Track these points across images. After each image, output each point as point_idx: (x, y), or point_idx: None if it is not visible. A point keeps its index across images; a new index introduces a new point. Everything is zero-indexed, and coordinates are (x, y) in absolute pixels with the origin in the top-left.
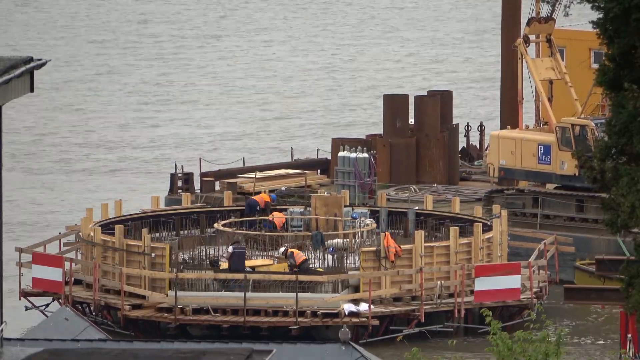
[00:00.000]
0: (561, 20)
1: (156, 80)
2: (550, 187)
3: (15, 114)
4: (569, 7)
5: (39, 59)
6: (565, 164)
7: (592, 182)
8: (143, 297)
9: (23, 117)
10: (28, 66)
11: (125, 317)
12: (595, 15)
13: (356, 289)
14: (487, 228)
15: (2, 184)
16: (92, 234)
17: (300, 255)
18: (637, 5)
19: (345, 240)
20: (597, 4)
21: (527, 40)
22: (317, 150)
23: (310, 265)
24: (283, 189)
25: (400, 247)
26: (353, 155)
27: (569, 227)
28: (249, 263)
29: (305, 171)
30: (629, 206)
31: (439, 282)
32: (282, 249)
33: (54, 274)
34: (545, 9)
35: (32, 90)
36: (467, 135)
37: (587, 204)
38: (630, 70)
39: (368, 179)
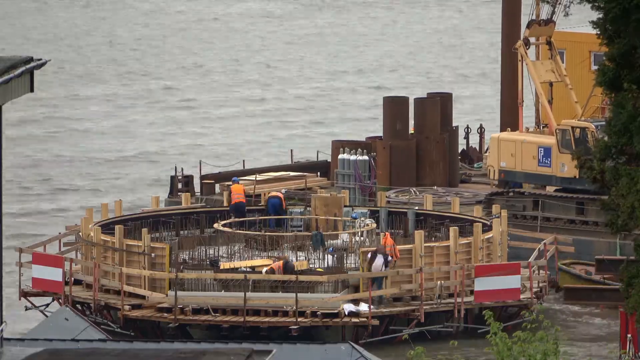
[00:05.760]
0: (562, 22)
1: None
2: (550, 189)
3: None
4: (568, 7)
5: (39, 59)
6: (566, 166)
7: (592, 182)
8: (143, 297)
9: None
10: (28, 66)
11: (125, 317)
12: (595, 15)
13: (356, 289)
14: (487, 228)
15: (2, 184)
16: (92, 234)
17: (277, 264)
18: (637, 5)
19: (345, 240)
20: (597, 4)
21: (527, 43)
22: (317, 152)
23: (310, 266)
24: (283, 191)
25: (397, 249)
26: (353, 157)
27: (569, 230)
28: (248, 263)
29: (305, 173)
30: (629, 207)
31: (439, 282)
32: (264, 270)
33: (54, 274)
34: (545, 12)
35: (32, 90)
36: (467, 138)
37: (588, 207)
38: (630, 70)
39: (368, 182)
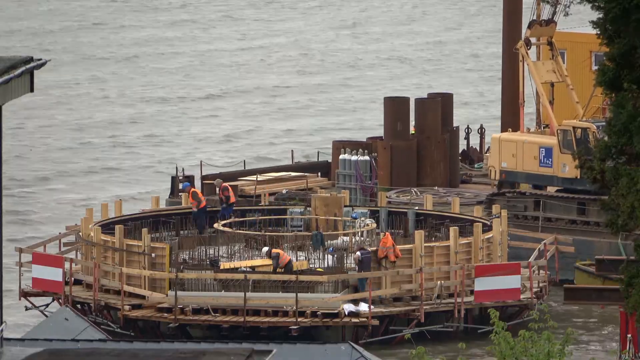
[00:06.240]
0: (562, 22)
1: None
2: (551, 189)
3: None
4: (568, 7)
5: (39, 59)
6: (567, 166)
7: (592, 182)
8: (143, 297)
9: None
10: (28, 66)
11: (125, 317)
12: (595, 15)
13: (356, 289)
14: (487, 228)
15: (2, 184)
16: (92, 234)
17: (285, 257)
18: (637, 5)
19: (345, 240)
20: (597, 4)
21: (528, 43)
22: (318, 152)
23: (310, 266)
24: (284, 191)
25: (398, 249)
26: (354, 157)
27: (570, 230)
28: (248, 263)
29: (306, 174)
30: (629, 207)
31: (439, 282)
32: (265, 249)
33: (54, 274)
34: (546, 12)
35: (32, 90)
36: (467, 138)
37: (589, 207)
38: (630, 70)
39: (369, 182)
